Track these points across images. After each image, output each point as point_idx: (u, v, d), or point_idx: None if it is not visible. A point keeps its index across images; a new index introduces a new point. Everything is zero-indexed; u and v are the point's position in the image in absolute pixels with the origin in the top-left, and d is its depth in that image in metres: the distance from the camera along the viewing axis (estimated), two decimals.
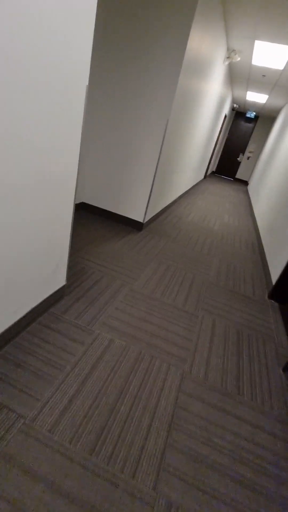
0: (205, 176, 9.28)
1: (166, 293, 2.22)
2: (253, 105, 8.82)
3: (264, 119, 10.27)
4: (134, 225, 3.37)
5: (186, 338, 1.79)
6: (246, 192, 9.02)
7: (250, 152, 10.81)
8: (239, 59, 4.52)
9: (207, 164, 8.46)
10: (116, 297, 2.02)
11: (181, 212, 4.61)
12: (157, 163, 2.99)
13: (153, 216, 3.75)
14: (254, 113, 9.85)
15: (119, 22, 2.60)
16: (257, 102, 8.18)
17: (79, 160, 1.46)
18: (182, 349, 1.69)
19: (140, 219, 3.31)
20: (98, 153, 3.18)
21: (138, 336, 1.70)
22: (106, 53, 2.73)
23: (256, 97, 7.56)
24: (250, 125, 10.54)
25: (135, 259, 2.63)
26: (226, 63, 4.77)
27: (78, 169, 1.47)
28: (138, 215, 3.30)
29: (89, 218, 3.34)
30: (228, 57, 4.58)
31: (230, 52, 4.50)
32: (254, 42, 3.91)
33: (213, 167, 10.97)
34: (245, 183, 11.19)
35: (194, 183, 7.10)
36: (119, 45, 2.66)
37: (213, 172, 11.52)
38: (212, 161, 9.69)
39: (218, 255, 3.28)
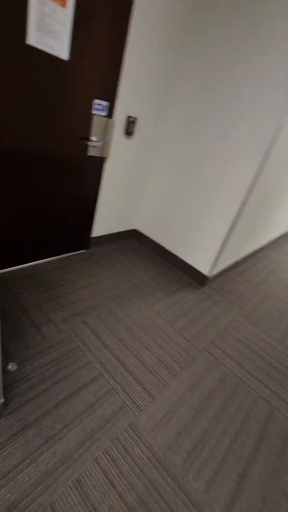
0: None
1: (197, 456, 1.10)
2: None
3: None
4: (194, 277, 2.30)
5: None
6: None
7: None
8: None
9: None
10: (91, 447, 1.05)
11: (276, 262, 3.22)
12: (247, 193, 1.86)
13: (228, 267, 2.58)
14: None
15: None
16: None
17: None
18: None
19: (205, 271, 2.22)
20: (162, 173, 2.28)
21: None
22: (191, 45, 1.80)
23: None
24: None
25: (172, 346, 1.59)
26: None
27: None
28: (202, 264, 2.23)
29: (137, 252, 2.47)
30: None
31: None
32: None
33: None
34: None
35: None
36: (210, 32, 1.69)
37: None
38: None
39: None
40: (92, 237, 2.25)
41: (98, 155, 1.83)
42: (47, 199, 1.72)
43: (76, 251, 2.20)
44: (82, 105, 1.56)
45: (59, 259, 2.06)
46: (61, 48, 1.34)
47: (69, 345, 1.40)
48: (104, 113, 1.70)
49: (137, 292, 1.97)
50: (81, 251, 2.24)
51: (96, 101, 1.62)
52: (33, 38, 1.23)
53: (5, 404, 1.08)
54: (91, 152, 1.77)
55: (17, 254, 1.79)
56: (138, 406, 1.22)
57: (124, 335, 1.57)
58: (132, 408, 1.21)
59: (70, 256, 2.14)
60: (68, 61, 1.38)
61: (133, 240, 2.67)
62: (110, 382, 1.28)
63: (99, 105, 1.65)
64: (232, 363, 1.61)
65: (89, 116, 1.63)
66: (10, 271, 1.78)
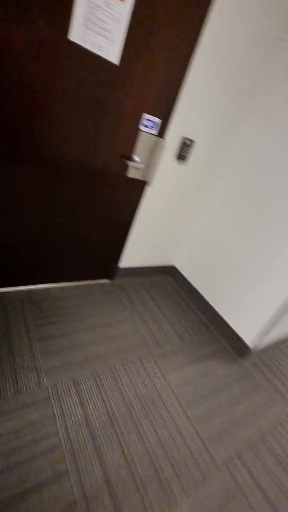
0: None
1: None
2: None
3: None
4: (232, 343, 1.80)
5: None
6: None
7: None
8: None
9: None
10: None
11: None
12: None
13: (281, 339, 2.00)
14: None
15: None
16: None
17: None
18: None
19: (248, 339, 1.71)
20: (213, 211, 1.90)
21: None
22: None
23: None
24: None
25: (179, 447, 1.14)
26: None
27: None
28: (246, 330, 1.72)
29: (169, 294, 2.08)
30: None
31: None
32: None
33: None
34: None
35: None
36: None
37: None
38: None
39: None
40: (120, 268, 1.95)
41: (140, 179, 1.55)
42: (76, 217, 1.49)
43: (98, 279, 1.92)
44: (128, 119, 1.31)
45: (76, 286, 1.81)
46: (111, 50, 1.11)
47: (42, 412, 1.07)
48: (154, 131, 1.42)
49: (154, 348, 1.57)
50: (104, 280, 1.95)
51: (147, 116, 1.35)
52: (78, 34, 1.02)
53: None
54: (132, 173, 1.50)
55: (29, 273, 1.58)
56: None
57: (118, 411, 1.18)
58: None
59: (90, 284, 1.87)
60: (118, 66, 1.15)
61: (168, 278, 2.30)
62: (74, 491, 0.90)
63: (149, 122, 1.38)
64: (263, 503, 1.07)
65: (135, 133, 1.37)
66: (16, 291, 1.57)
